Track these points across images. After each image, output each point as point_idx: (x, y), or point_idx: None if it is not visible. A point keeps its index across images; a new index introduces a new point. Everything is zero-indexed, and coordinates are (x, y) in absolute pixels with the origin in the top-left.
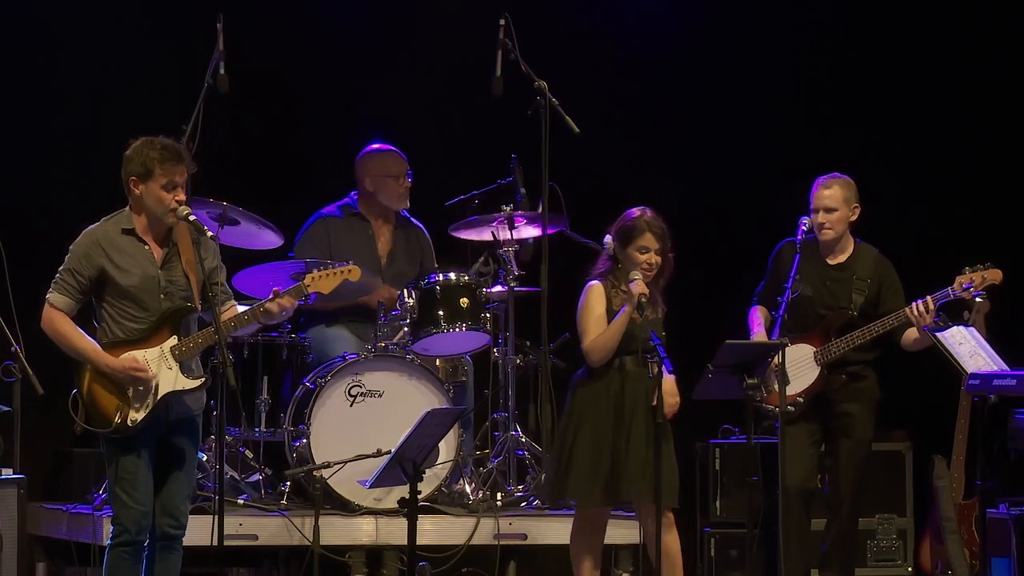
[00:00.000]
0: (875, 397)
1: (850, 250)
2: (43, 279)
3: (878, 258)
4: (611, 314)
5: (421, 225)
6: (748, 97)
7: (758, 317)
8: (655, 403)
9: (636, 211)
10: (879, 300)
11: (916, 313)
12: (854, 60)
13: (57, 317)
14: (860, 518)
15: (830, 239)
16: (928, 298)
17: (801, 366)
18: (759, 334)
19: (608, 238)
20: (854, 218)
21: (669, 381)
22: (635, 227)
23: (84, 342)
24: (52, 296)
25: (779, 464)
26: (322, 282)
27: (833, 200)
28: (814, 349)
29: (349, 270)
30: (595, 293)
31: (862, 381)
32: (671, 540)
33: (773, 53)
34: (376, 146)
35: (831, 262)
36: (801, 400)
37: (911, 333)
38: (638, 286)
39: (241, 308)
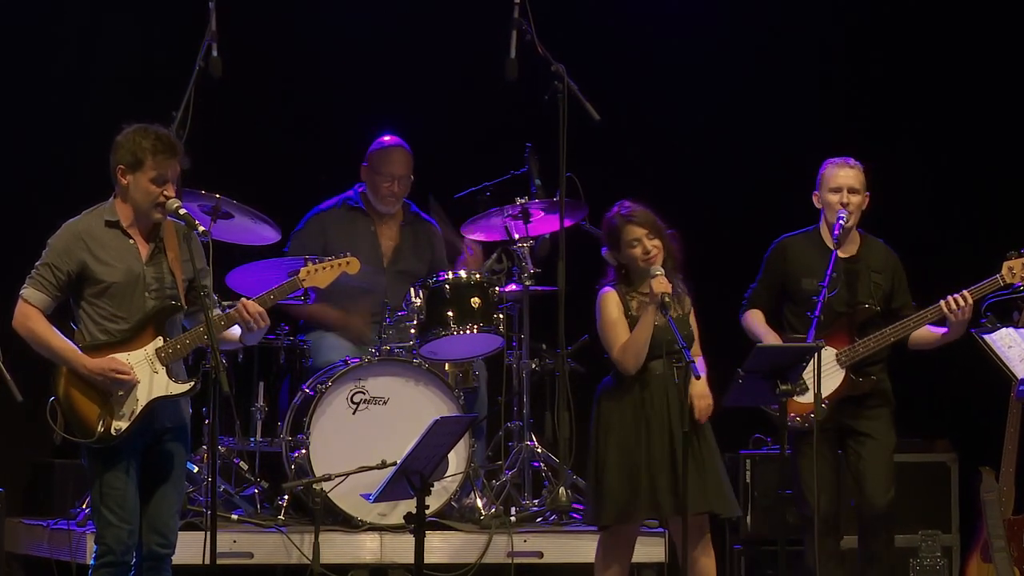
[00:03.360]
0: (892, 400)
1: (858, 241)
2: (20, 277)
3: (886, 249)
4: (631, 319)
5: (432, 220)
6: (775, 90)
7: (761, 322)
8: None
9: (612, 211)
10: (892, 295)
11: (953, 307)
12: (878, 59)
13: (31, 314)
14: (902, 535)
15: (850, 226)
16: (966, 292)
17: (824, 369)
18: (767, 335)
19: (604, 251)
20: (865, 206)
21: (700, 383)
22: (614, 227)
23: (60, 342)
24: (27, 291)
25: (799, 483)
26: (318, 275)
27: (858, 180)
28: (836, 351)
29: (348, 262)
30: (609, 300)
31: (877, 384)
32: (707, 559)
33: (799, 46)
34: (385, 139)
35: (842, 255)
36: (824, 406)
37: (924, 332)
38: (659, 283)
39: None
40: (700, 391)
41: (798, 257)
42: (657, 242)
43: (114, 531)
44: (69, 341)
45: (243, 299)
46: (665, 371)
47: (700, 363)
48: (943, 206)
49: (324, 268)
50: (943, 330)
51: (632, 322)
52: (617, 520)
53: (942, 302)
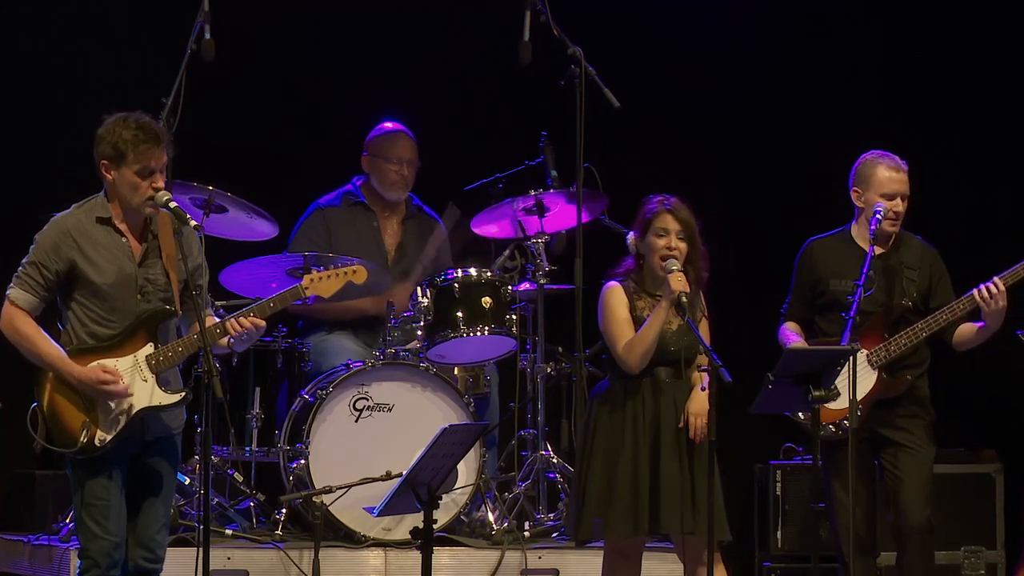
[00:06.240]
0: (930, 409)
1: (892, 237)
2: (5, 275)
3: (924, 246)
4: (636, 319)
5: (436, 215)
6: (807, 75)
7: (794, 333)
8: (682, 423)
9: (656, 196)
10: (931, 292)
11: (986, 296)
12: (914, 44)
13: (18, 316)
14: (944, 551)
15: (893, 231)
16: (996, 279)
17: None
18: (797, 343)
19: (630, 235)
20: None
21: (699, 399)
22: (650, 211)
23: (48, 347)
24: (13, 292)
25: (832, 496)
26: (322, 284)
27: (908, 185)
28: (867, 351)
29: (354, 271)
30: (614, 295)
31: (913, 392)
32: None
33: (829, 44)
34: (387, 125)
35: (875, 252)
36: (859, 411)
37: (966, 328)
38: (676, 280)
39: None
40: (697, 408)
41: (827, 259)
42: (684, 246)
43: (99, 543)
44: (58, 347)
45: (237, 316)
46: (672, 378)
47: (706, 377)
48: (981, 198)
49: (328, 276)
50: (981, 324)
51: (637, 322)
52: (592, 536)
53: (974, 291)
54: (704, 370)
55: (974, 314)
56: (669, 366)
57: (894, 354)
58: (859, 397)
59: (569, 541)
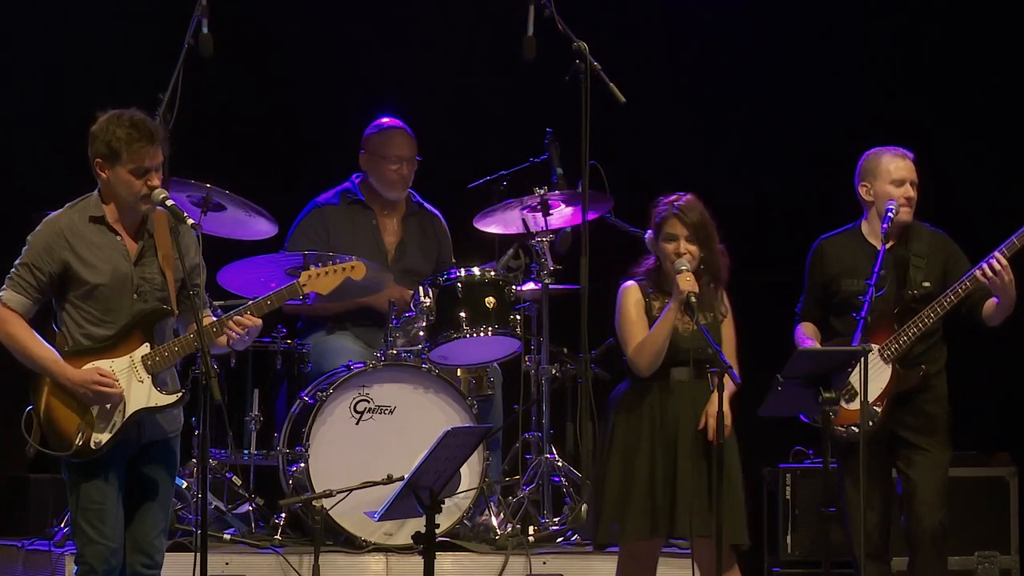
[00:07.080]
0: (948, 410)
1: (903, 227)
2: None
3: (932, 232)
4: (652, 319)
5: (437, 212)
6: (815, 77)
7: (809, 336)
8: (701, 425)
9: (668, 196)
10: (947, 277)
11: (990, 274)
12: (910, 59)
13: (11, 319)
14: (957, 556)
15: (906, 221)
16: (996, 253)
17: (870, 369)
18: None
19: (648, 234)
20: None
21: (717, 400)
22: (660, 214)
23: (42, 350)
24: (5, 294)
25: (845, 499)
26: (320, 281)
27: (915, 173)
28: (878, 346)
29: (352, 267)
30: (629, 295)
31: (929, 392)
32: None
33: (843, 32)
34: (384, 121)
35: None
36: (877, 409)
37: (989, 304)
38: (684, 280)
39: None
40: (716, 409)
41: (838, 258)
42: (695, 248)
43: (95, 548)
44: (52, 349)
45: (233, 315)
46: (687, 379)
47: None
48: (986, 194)
49: (327, 273)
50: (997, 299)
51: (653, 322)
52: (609, 540)
53: (977, 271)
54: (713, 371)
55: (987, 290)
56: (685, 367)
57: (904, 345)
58: (876, 395)
59: (576, 545)
